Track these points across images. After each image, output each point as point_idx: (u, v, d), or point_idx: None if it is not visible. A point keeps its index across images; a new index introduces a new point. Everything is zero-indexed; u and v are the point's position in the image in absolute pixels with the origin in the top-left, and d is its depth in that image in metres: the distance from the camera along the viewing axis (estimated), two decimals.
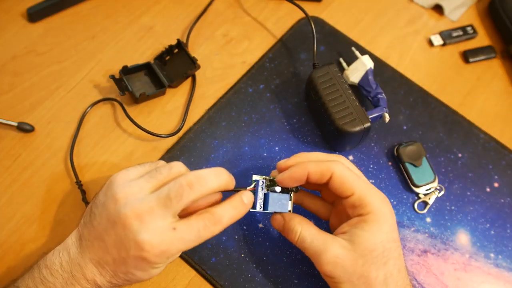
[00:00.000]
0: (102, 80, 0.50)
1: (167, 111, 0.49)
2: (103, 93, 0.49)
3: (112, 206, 0.34)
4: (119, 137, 0.47)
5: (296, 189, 0.39)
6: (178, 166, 0.37)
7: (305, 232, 0.37)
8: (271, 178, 0.38)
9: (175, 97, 0.50)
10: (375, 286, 0.35)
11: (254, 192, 0.37)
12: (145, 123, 0.48)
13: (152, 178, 0.35)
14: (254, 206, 0.37)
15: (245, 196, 0.36)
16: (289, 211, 0.38)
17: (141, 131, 0.46)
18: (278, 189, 0.38)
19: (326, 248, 0.35)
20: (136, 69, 0.49)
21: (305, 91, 0.49)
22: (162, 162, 0.39)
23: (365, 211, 0.36)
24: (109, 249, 0.34)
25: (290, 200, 0.38)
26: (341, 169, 0.36)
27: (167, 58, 0.51)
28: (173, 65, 0.50)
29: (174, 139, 0.47)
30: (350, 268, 0.35)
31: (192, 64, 0.49)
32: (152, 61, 0.50)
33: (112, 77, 0.47)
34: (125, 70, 0.48)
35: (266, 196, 0.37)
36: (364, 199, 0.36)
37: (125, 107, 0.48)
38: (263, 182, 0.38)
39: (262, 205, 0.37)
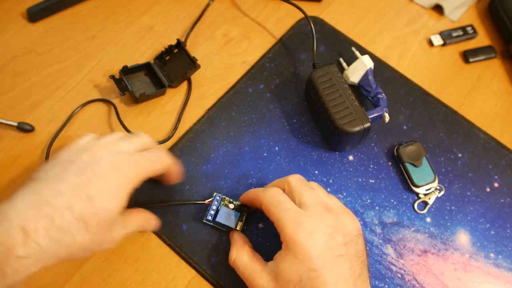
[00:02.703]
0: (102, 80, 0.50)
1: (167, 111, 0.49)
2: (103, 93, 0.49)
3: (85, 156, 0.34)
4: None
5: (248, 210, 0.42)
6: (145, 137, 0.39)
7: (237, 261, 0.38)
8: (230, 199, 0.43)
9: (175, 97, 0.50)
10: None
11: (210, 204, 0.42)
12: (145, 123, 0.48)
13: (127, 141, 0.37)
14: (206, 217, 0.42)
15: (153, 223, 0.40)
16: (236, 227, 0.42)
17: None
18: (231, 206, 0.42)
19: (253, 282, 0.36)
20: (136, 69, 0.49)
21: (305, 91, 0.49)
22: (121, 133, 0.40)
23: (281, 239, 0.35)
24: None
25: (241, 219, 0.42)
26: (266, 197, 0.37)
27: (167, 58, 0.51)
28: (173, 65, 0.50)
29: (174, 139, 0.47)
30: None
31: (192, 64, 0.49)
32: (152, 61, 0.50)
33: (112, 77, 0.47)
34: (125, 70, 0.48)
35: (218, 209, 0.42)
36: (278, 227, 0.36)
37: (125, 107, 0.48)
38: (220, 197, 0.43)
39: (212, 216, 0.42)
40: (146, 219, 0.40)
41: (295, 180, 0.39)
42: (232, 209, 0.42)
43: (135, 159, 0.36)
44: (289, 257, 0.34)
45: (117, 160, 0.35)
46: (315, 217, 0.35)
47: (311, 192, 0.38)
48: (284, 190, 0.39)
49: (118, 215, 0.34)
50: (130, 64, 0.48)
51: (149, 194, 0.44)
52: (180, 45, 0.50)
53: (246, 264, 0.38)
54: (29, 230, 0.29)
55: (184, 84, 0.51)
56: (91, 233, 0.32)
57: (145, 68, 0.50)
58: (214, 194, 0.43)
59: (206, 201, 0.43)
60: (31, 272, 0.31)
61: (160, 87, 0.49)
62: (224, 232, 0.43)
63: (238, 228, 0.42)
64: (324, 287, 0.33)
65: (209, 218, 0.42)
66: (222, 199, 0.43)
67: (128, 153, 0.36)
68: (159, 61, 0.50)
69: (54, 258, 0.31)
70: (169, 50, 0.50)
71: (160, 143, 0.46)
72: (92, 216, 0.32)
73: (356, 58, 0.50)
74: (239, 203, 0.43)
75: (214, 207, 0.42)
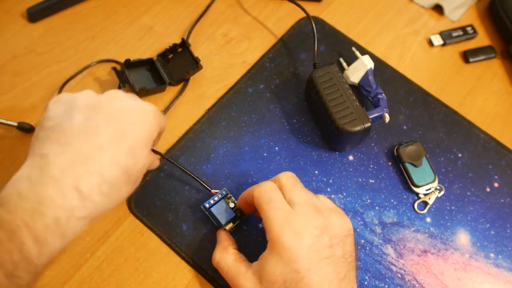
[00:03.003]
0: (102, 79, 0.50)
1: (165, 107, 0.49)
2: (104, 89, 0.49)
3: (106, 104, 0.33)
4: None
5: (241, 216, 0.42)
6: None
7: (221, 262, 0.38)
8: (235, 200, 0.43)
9: (175, 95, 0.50)
10: None
11: (214, 195, 0.43)
12: None
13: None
14: (204, 203, 0.43)
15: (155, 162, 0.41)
16: (224, 226, 0.42)
17: None
18: (231, 204, 0.43)
19: (238, 283, 0.36)
20: (138, 64, 0.49)
21: (305, 91, 0.49)
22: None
23: (267, 238, 0.35)
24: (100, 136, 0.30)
25: (233, 221, 0.42)
26: (259, 192, 0.36)
27: (170, 56, 0.51)
28: (176, 64, 0.50)
29: (174, 138, 0.47)
30: None
31: (194, 64, 0.49)
32: (155, 58, 0.50)
33: (114, 69, 0.47)
34: (128, 64, 0.48)
35: (218, 202, 0.43)
36: (266, 224, 0.35)
37: None
38: (225, 193, 0.43)
39: (210, 205, 0.42)
40: (154, 158, 0.40)
41: (286, 177, 0.38)
42: (231, 208, 0.43)
43: (156, 108, 0.35)
44: (274, 257, 0.34)
45: (145, 107, 0.34)
46: (303, 217, 0.35)
47: (301, 191, 0.37)
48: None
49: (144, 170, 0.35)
50: None
51: (150, 195, 0.44)
52: (184, 44, 0.50)
53: (230, 265, 0.37)
54: (83, 189, 0.29)
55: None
56: (132, 183, 0.33)
57: (148, 63, 0.50)
58: (224, 188, 0.43)
59: (213, 191, 0.43)
60: (82, 230, 0.30)
61: (160, 84, 0.49)
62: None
63: (227, 227, 0.42)
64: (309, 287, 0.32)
65: (206, 205, 0.42)
66: (227, 196, 0.43)
67: (151, 104, 0.35)
68: (162, 58, 0.50)
69: (103, 213, 0.31)
70: (173, 48, 0.50)
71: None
72: (134, 168, 0.32)
73: (356, 58, 0.50)
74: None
75: (216, 198, 0.43)
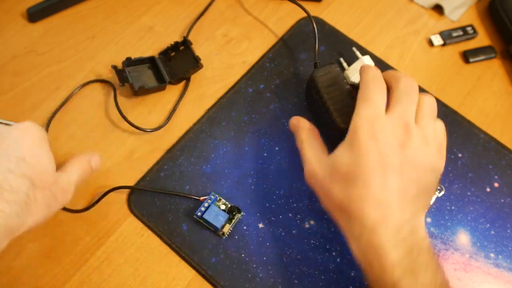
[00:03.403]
0: (102, 79, 0.50)
1: (165, 107, 0.49)
2: (103, 92, 0.49)
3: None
4: (118, 138, 0.47)
5: (239, 211, 0.43)
6: None
7: (305, 144, 0.41)
8: (225, 202, 0.44)
9: (175, 96, 0.50)
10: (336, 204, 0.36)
11: (203, 202, 0.43)
12: (141, 117, 0.48)
13: None
14: (196, 212, 0.43)
15: (93, 160, 0.41)
16: (222, 228, 0.42)
17: (140, 131, 0.46)
18: (222, 206, 0.43)
19: (308, 161, 0.39)
20: (139, 62, 0.49)
21: (306, 91, 0.49)
22: None
23: (350, 127, 0.37)
24: None
25: (229, 222, 0.43)
26: (368, 77, 0.39)
27: (172, 54, 0.51)
28: (177, 62, 0.50)
29: (174, 138, 0.47)
30: (319, 184, 0.38)
31: (195, 63, 0.49)
32: (156, 56, 0.50)
33: (114, 67, 0.47)
34: (128, 62, 0.48)
35: (209, 207, 0.43)
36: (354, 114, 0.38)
37: (124, 99, 0.48)
38: (215, 197, 0.43)
39: (202, 213, 0.42)
40: (86, 161, 0.40)
41: (408, 89, 0.38)
42: (223, 210, 0.43)
43: (35, 124, 0.36)
44: (342, 145, 0.37)
45: (22, 125, 0.35)
46: (392, 127, 0.36)
47: (408, 106, 0.37)
48: (389, 87, 0.39)
49: (55, 169, 0.36)
50: None
51: (150, 195, 0.44)
52: (186, 43, 0.50)
53: (314, 148, 0.40)
54: None
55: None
56: (40, 187, 0.34)
57: (149, 62, 0.50)
58: (211, 193, 0.44)
59: (201, 198, 0.44)
60: (9, 239, 0.32)
61: (161, 83, 0.49)
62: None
63: (225, 230, 0.42)
64: (366, 190, 0.34)
65: (198, 214, 0.42)
66: (217, 199, 0.43)
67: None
68: (164, 56, 0.50)
69: (18, 219, 0.32)
70: (175, 46, 0.50)
71: (152, 131, 0.47)
72: (32, 171, 0.33)
73: (356, 58, 0.50)
74: (230, 206, 0.43)
75: (206, 205, 0.43)
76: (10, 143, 0.34)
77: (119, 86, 0.48)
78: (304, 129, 0.42)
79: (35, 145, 0.35)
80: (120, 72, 0.47)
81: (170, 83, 0.49)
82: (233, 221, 0.43)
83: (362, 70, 0.40)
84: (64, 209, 0.44)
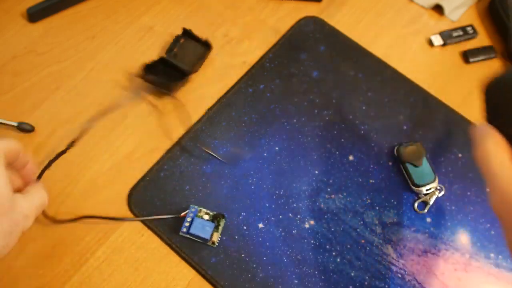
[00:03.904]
0: (102, 79, 0.50)
1: (165, 107, 0.49)
2: (104, 93, 0.49)
3: None
4: (118, 138, 0.47)
5: (223, 217, 0.43)
6: None
7: (495, 160, 0.30)
8: (207, 211, 0.43)
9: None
10: None
11: (185, 217, 0.43)
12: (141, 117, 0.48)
13: None
14: (181, 229, 0.42)
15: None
16: (211, 238, 0.42)
17: (141, 132, 0.46)
18: (206, 216, 0.43)
19: (498, 180, 0.30)
20: (155, 64, 0.49)
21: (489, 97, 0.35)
22: None
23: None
24: None
25: (216, 230, 0.42)
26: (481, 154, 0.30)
27: (176, 50, 0.51)
28: (185, 54, 0.51)
29: (174, 139, 0.47)
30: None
31: (204, 47, 0.50)
32: (165, 55, 0.50)
33: (143, 77, 0.48)
34: (148, 67, 0.48)
35: (192, 221, 0.42)
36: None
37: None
38: (195, 209, 0.43)
39: (187, 228, 0.42)
40: (43, 193, 0.38)
41: None
42: (207, 220, 0.42)
43: None
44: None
45: None
46: None
47: None
48: None
49: (11, 193, 0.34)
50: (131, 64, 0.49)
51: (150, 195, 0.44)
52: (186, 33, 0.51)
53: (505, 164, 0.30)
54: None
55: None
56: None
57: (162, 63, 0.50)
58: (190, 206, 0.43)
59: (181, 214, 0.43)
60: None
61: (182, 76, 0.49)
62: (224, 232, 0.43)
63: (214, 239, 0.42)
64: None
65: (184, 230, 0.42)
66: (198, 211, 0.43)
67: None
68: (170, 53, 0.51)
69: None
70: (176, 40, 0.51)
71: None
72: None
73: None
74: (214, 214, 0.43)
75: (189, 219, 0.42)
76: None
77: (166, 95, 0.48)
78: (492, 137, 0.31)
79: None
80: (149, 79, 0.48)
81: (191, 72, 0.49)
82: (220, 228, 0.43)
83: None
84: (64, 209, 0.44)
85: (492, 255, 0.44)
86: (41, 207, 0.37)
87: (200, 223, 0.42)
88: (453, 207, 0.46)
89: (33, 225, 0.43)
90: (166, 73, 0.50)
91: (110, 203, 0.44)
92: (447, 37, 0.55)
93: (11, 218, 0.33)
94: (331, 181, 0.46)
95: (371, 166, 0.47)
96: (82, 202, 0.44)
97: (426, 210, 0.45)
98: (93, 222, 0.43)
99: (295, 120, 0.49)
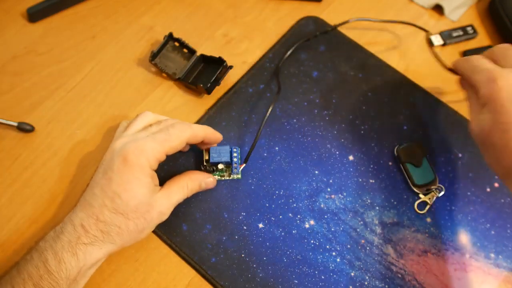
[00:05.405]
0: (102, 79, 0.50)
1: (166, 107, 0.49)
2: (104, 93, 0.49)
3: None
4: None
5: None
6: (146, 115, 0.42)
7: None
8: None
9: (177, 93, 0.50)
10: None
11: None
12: None
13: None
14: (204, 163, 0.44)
15: (205, 182, 0.43)
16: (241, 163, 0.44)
17: None
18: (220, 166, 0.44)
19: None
20: (161, 50, 0.50)
21: None
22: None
23: (480, 94, 0.38)
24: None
25: (232, 153, 0.44)
26: (465, 67, 0.42)
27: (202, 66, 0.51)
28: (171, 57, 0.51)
29: None
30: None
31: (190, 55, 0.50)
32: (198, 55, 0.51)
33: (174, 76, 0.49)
34: (154, 55, 0.49)
35: (210, 154, 0.44)
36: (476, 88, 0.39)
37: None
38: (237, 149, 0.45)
39: (207, 161, 0.44)
40: (196, 182, 0.42)
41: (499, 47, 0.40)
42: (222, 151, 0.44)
43: (141, 146, 0.38)
44: (485, 109, 0.37)
45: (124, 152, 0.37)
46: None
47: None
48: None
49: (152, 194, 0.38)
50: (130, 64, 0.48)
51: None
52: (172, 38, 0.51)
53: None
54: (86, 226, 0.36)
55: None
56: (133, 219, 0.37)
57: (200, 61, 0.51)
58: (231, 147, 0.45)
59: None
60: (98, 257, 0.37)
61: (191, 54, 0.50)
62: (224, 232, 0.43)
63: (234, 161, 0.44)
64: None
65: (206, 164, 0.44)
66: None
67: (136, 140, 0.38)
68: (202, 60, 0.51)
69: (114, 245, 0.37)
70: (165, 43, 0.51)
71: None
72: (125, 207, 0.37)
73: None
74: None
75: (207, 156, 0.44)
76: (111, 175, 0.37)
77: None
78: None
79: (134, 178, 0.37)
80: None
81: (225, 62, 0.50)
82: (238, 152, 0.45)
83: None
84: (64, 209, 0.44)
85: (492, 255, 0.44)
86: (180, 201, 0.41)
87: (216, 150, 0.44)
88: (453, 207, 0.46)
89: (32, 225, 0.43)
90: (174, 58, 0.51)
91: None
92: (447, 37, 0.55)
93: (146, 218, 0.38)
94: (331, 181, 0.46)
95: (371, 166, 0.47)
96: None
97: (426, 210, 0.45)
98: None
99: (295, 120, 0.49)
